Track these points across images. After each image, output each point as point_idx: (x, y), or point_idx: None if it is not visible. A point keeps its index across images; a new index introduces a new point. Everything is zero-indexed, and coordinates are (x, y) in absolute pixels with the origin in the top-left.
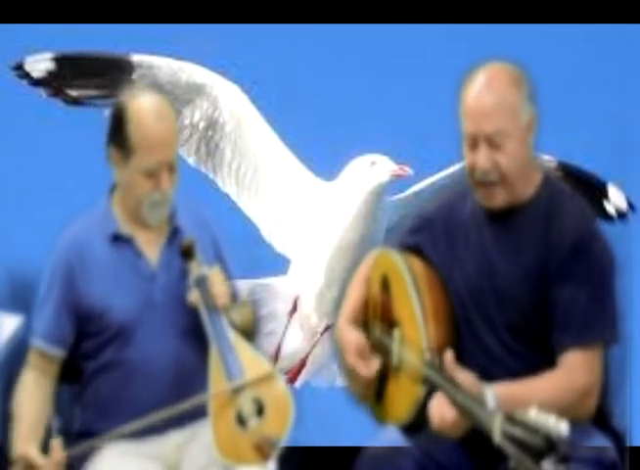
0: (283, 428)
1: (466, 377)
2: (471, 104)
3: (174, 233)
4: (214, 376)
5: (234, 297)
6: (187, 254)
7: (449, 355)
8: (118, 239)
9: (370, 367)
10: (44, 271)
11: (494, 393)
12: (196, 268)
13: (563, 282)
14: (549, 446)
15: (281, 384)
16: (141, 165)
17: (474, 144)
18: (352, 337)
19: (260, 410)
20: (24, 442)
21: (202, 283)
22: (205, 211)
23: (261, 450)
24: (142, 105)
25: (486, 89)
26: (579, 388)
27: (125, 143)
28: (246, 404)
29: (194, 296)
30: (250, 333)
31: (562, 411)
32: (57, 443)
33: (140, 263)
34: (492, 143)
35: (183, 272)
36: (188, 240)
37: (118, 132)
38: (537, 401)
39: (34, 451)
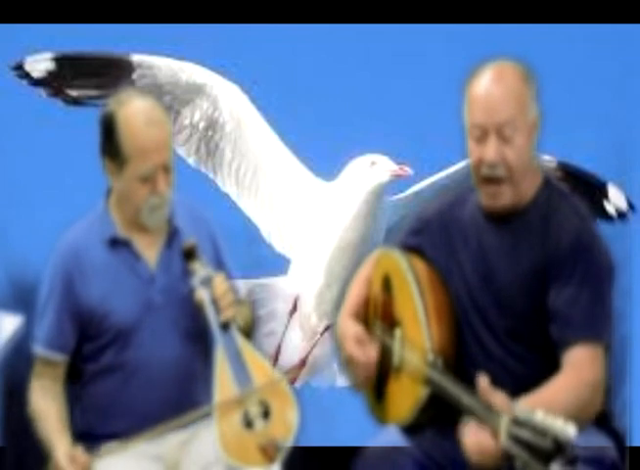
0: (288, 431)
1: (500, 399)
2: (481, 95)
3: (173, 235)
4: (220, 378)
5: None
6: (190, 255)
7: (484, 381)
8: (116, 243)
9: (368, 354)
10: (43, 277)
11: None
12: (200, 269)
13: (562, 283)
14: (557, 448)
15: (287, 388)
16: (136, 172)
17: (482, 136)
18: (351, 328)
19: (266, 413)
20: (57, 435)
21: (207, 283)
22: (201, 208)
23: (267, 453)
24: (130, 112)
25: (497, 82)
26: (589, 382)
27: (118, 153)
28: (252, 407)
29: (200, 296)
30: (246, 333)
31: (580, 409)
32: (80, 449)
33: (139, 266)
34: (502, 135)
35: (183, 274)
36: (190, 241)
37: (110, 143)
38: (560, 405)
39: (64, 459)
